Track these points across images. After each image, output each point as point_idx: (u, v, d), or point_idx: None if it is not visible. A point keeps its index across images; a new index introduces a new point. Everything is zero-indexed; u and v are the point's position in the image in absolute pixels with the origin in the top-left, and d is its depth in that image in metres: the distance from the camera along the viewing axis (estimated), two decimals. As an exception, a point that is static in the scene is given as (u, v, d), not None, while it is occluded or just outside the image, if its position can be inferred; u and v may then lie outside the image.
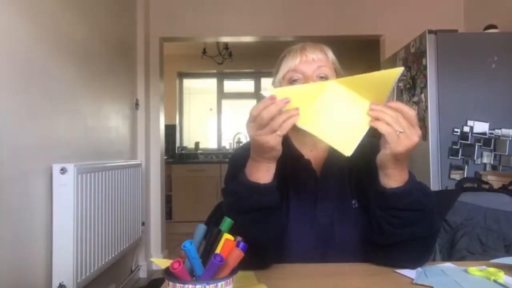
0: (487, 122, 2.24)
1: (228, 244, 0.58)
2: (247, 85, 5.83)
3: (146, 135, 3.12)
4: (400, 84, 2.62)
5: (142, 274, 3.04)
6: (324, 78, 0.92)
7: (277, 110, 0.71)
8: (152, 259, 1.91)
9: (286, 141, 0.92)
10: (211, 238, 0.62)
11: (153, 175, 3.25)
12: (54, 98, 1.81)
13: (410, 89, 2.48)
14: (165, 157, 3.91)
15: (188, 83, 5.79)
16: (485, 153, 2.24)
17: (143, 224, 2.74)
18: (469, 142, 2.24)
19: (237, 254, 0.58)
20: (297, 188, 0.94)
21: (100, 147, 2.32)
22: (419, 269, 0.81)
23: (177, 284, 0.55)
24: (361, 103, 0.74)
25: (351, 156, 0.73)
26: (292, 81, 0.93)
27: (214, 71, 5.51)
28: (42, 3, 1.72)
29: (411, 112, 0.70)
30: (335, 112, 0.75)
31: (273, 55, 1.16)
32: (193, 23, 3.24)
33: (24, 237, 1.56)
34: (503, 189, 1.30)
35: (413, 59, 2.42)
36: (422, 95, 2.31)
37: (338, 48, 1.05)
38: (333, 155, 0.93)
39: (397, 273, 0.80)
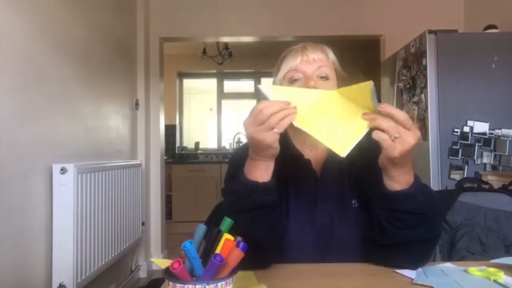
0: (487, 122, 2.24)
1: (228, 244, 0.58)
2: (247, 85, 5.83)
3: (146, 135, 3.12)
4: (400, 84, 2.62)
5: (142, 274, 3.04)
6: (324, 78, 0.93)
7: (278, 107, 0.71)
8: (152, 259, 1.91)
9: (286, 140, 0.92)
10: (211, 238, 0.62)
11: (153, 175, 3.25)
12: (54, 98, 1.81)
13: (410, 89, 2.47)
14: (165, 157, 3.91)
15: (188, 83, 5.79)
16: (485, 153, 2.24)
17: (143, 224, 2.74)
18: (469, 142, 2.24)
19: (237, 254, 0.58)
20: (297, 188, 0.94)
21: (100, 147, 2.32)
22: (419, 269, 0.81)
23: (177, 284, 0.55)
24: (357, 109, 0.74)
25: (350, 156, 0.73)
26: (292, 81, 0.93)
27: (214, 71, 5.51)
28: (42, 3, 1.72)
29: (403, 116, 0.69)
30: (333, 115, 0.76)
31: (273, 55, 1.16)
32: (193, 23, 3.24)
33: (24, 237, 1.56)
34: (503, 189, 1.30)
35: (413, 59, 2.42)
36: (422, 95, 2.31)
37: (338, 48, 1.05)
38: (333, 155, 0.92)
39: (397, 273, 0.80)
